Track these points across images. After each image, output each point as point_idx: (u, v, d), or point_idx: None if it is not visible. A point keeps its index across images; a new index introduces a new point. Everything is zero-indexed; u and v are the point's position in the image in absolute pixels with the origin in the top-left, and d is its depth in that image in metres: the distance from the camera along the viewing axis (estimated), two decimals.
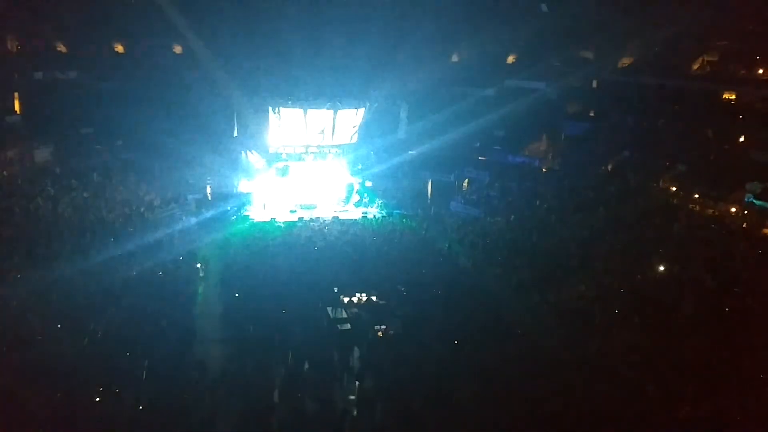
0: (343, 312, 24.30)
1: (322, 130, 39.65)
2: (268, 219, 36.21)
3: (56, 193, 35.54)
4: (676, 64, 54.86)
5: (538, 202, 38.46)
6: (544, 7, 52.06)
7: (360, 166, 42.64)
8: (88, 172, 39.59)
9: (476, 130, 47.25)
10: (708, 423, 17.76)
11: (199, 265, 28.54)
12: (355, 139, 41.26)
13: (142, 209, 34.45)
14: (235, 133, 42.86)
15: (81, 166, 40.78)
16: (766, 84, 52.99)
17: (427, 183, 43.62)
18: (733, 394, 18.80)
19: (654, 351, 20.91)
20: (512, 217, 36.15)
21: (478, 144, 48.39)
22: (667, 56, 54.28)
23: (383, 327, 23.23)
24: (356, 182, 41.69)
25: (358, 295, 25.58)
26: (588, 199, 38.06)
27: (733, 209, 37.07)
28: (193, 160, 41.66)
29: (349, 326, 23.34)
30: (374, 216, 37.98)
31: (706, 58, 55.18)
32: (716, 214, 37.05)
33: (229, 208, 37.08)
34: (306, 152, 40.44)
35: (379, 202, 40.13)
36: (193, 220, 34.33)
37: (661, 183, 41.58)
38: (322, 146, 40.44)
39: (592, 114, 53.15)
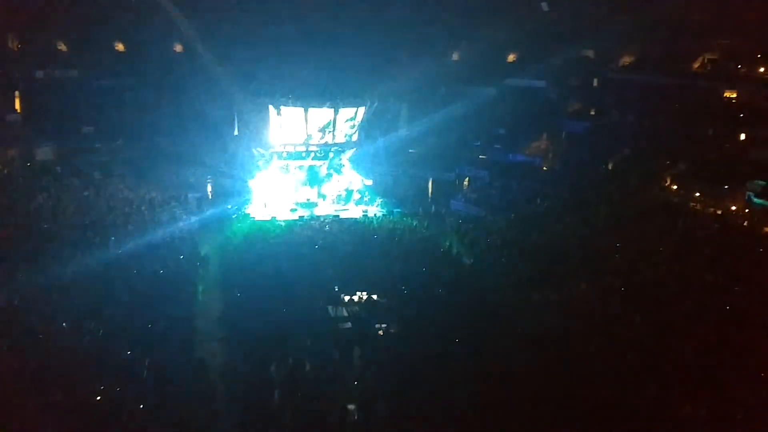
0: (344, 310, 24.31)
1: (323, 129, 39.70)
2: (268, 218, 36.23)
3: (57, 191, 35.60)
4: (676, 62, 54.75)
5: (538, 201, 38.47)
6: (544, 6, 51.96)
7: (360, 165, 42.63)
8: (89, 170, 39.64)
9: (477, 129, 47.29)
10: (708, 423, 17.75)
11: (199, 264, 28.55)
12: (355, 137, 41.32)
13: (142, 208, 34.48)
14: (236, 132, 42.91)
15: (82, 165, 40.86)
16: (767, 82, 52.85)
17: (428, 181, 43.66)
18: (733, 394, 18.78)
19: (654, 350, 20.88)
20: (513, 215, 36.16)
21: (478, 142, 48.41)
22: (667, 55, 54.17)
23: (384, 325, 23.21)
24: (356, 181, 41.73)
25: (358, 293, 25.59)
26: (589, 197, 38.07)
27: (734, 208, 37.07)
28: (194, 158, 41.69)
29: (349, 324, 23.34)
30: (375, 215, 37.98)
31: (707, 57, 55.03)
32: (717, 212, 37.05)
33: (229, 206, 37.16)
34: (307, 151, 40.50)
35: (379, 200, 40.17)
36: (194, 218, 34.32)
37: (661, 181, 41.58)
38: (323, 145, 40.48)
39: (592, 113, 53.12)
